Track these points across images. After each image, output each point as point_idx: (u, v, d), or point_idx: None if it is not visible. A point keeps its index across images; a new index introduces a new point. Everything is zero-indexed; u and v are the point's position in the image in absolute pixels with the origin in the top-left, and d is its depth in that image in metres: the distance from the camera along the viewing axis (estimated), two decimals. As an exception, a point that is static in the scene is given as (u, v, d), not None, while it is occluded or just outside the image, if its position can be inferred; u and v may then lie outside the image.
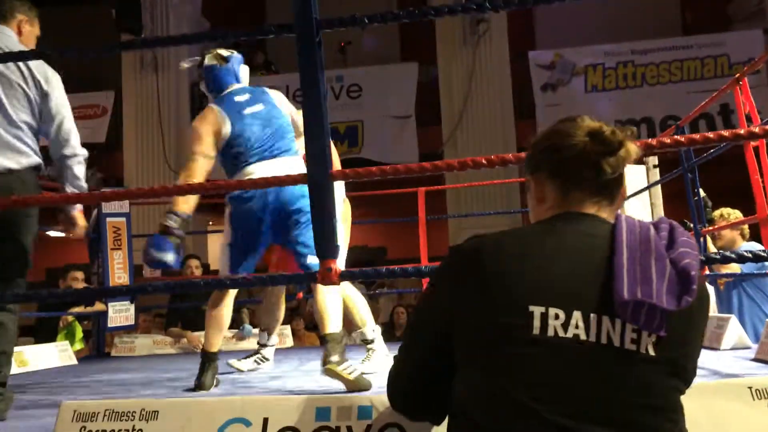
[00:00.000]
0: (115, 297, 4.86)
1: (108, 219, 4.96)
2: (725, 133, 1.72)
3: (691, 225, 3.95)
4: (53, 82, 2.47)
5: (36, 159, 2.43)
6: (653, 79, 8.55)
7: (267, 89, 3.00)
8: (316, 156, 1.76)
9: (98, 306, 4.99)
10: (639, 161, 4.77)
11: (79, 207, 2.57)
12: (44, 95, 2.43)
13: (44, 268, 9.23)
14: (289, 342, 5.29)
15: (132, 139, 9.32)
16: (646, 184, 4.64)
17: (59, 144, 2.46)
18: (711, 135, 1.72)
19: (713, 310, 4.15)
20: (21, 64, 2.38)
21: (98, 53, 1.94)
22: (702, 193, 4.03)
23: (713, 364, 2.54)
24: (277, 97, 2.97)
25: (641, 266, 0.95)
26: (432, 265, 5.41)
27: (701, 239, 3.97)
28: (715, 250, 4.17)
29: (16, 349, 4.36)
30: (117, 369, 3.98)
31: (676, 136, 1.74)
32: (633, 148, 1.06)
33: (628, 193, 4.60)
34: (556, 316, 0.93)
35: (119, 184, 8.91)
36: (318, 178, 1.75)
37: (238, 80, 2.98)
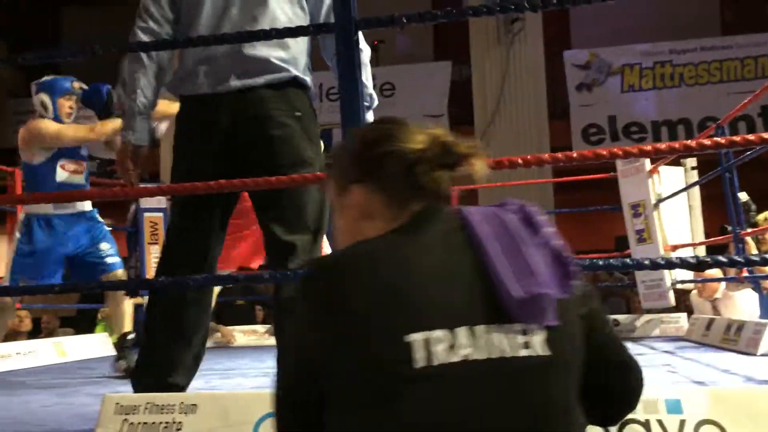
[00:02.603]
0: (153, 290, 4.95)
1: (146, 214, 5.07)
2: (766, 135, 1.69)
3: (730, 228, 3.88)
4: None
5: (294, 71, 1.90)
6: (691, 79, 8.41)
7: None
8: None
9: (136, 299, 5.09)
10: (676, 163, 4.70)
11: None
12: None
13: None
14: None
15: (169, 136, 9.46)
16: (683, 186, 4.58)
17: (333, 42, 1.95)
18: (752, 137, 1.70)
19: (752, 314, 4.08)
20: None
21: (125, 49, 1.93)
22: (745, 196, 3.95)
23: (749, 369, 2.50)
24: None
25: (517, 258, 0.85)
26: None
27: (740, 244, 3.91)
28: (757, 254, 4.09)
29: (56, 339, 4.48)
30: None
31: (716, 138, 1.72)
32: (479, 161, 0.95)
33: (666, 194, 4.56)
34: (440, 340, 0.80)
35: (156, 179, 9.07)
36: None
37: None
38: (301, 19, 1.93)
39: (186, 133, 1.90)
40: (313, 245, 1.83)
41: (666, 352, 3.62)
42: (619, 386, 0.99)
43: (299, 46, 1.92)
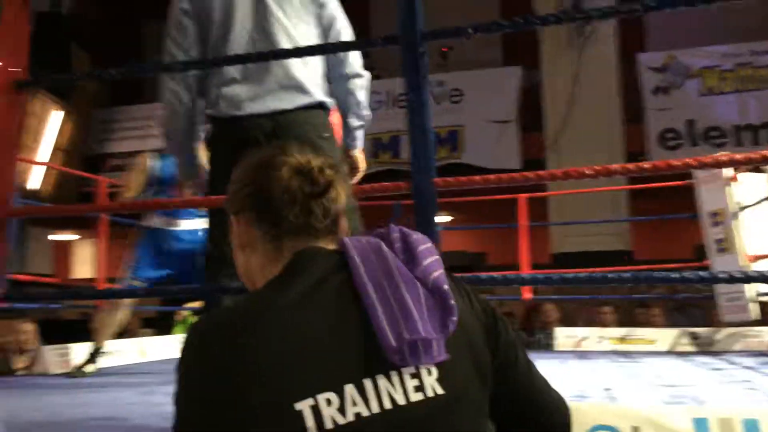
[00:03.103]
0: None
1: (220, 220, 5.23)
2: None
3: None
4: None
5: (320, 96, 2.02)
6: (775, 81, 8.03)
7: None
8: (419, 163, 1.80)
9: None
10: (758, 169, 4.50)
11: (361, 146, 2.18)
12: (321, 3, 2.07)
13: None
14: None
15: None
16: (767, 194, 4.38)
17: (337, 61, 2.07)
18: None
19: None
20: None
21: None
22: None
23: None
24: None
25: (394, 302, 0.81)
26: (534, 273, 5.32)
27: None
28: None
29: (137, 340, 4.69)
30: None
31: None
32: (342, 190, 0.93)
33: (747, 202, 4.37)
34: (329, 402, 0.75)
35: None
36: (422, 185, 1.78)
37: None
38: (320, 42, 2.04)
39: (223, 153, 1.94)
40: None
41: (747, 367, 3.47)
42: (536, 425, 0.94)
43: (320, 70, 2.04)
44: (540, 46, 8.94)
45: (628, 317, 5.95)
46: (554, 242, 8.19)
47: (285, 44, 1.95)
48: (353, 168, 2.14)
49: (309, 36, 2.00)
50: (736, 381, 2.87)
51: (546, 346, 5.01)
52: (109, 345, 4.27)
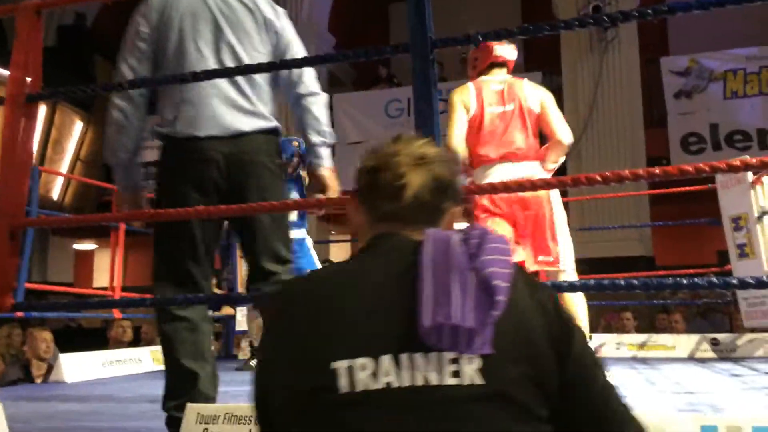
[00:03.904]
0: (241, 303, 5.12)
1: (238, 228, 5.25)
2: None
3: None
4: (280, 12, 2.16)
5: (272, 122, 2.08)
6: (801, 83, 7.89)
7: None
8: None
9: (227, 309, 5.29)
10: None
11: (329, 165, 2.14)
12: (276, 31, 2.12)
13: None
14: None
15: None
16: (790, 199, 4.29)
17: (293, 82, 2.11)
18: None
19: None
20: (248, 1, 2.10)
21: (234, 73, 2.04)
22: None
23: None
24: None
25: (441, 285, 0.84)
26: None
27: None
28: None
29: (153, 348, 4.72)
30: (241, 370, 4.19)
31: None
32: (419, 181, 0.95)
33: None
34: (363, 367, 0.81)
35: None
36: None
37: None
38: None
39: (174, 171, 1.99)
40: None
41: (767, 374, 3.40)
42: None
43: (271, 96, 2.10)
44: (561, 50, 8.88)
45: (648, 323, 5.86)
46: (575, 247, 8.10)
47: (235, 83, 2.00)
48: (323, 188, 2.09)
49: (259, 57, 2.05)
50: (756, 388, 2.80)
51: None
52: (126, 354, 4.31)
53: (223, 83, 1.99)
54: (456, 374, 0.81)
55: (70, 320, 9.80)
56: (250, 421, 1.56)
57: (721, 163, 1.61)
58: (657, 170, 1.66)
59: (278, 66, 2.02)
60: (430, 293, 0.83)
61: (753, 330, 4.52)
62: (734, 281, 1.72)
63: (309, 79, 2.11)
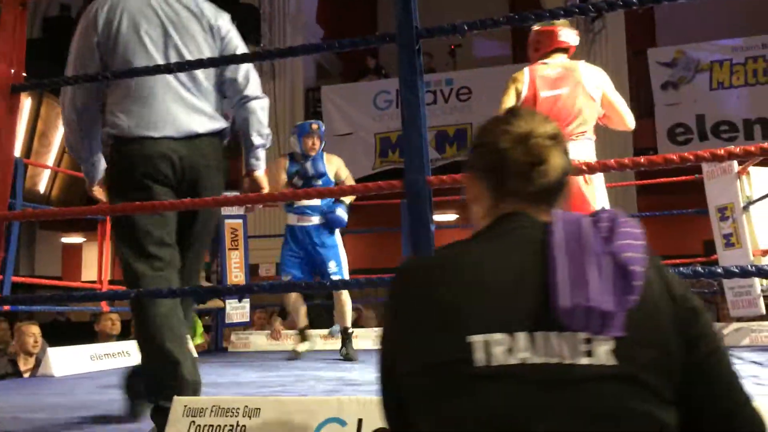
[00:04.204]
0: (231, 295, 5.12)
1: (226, 221, 5.24)
2: None
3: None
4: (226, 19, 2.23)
5: (221, 123, 2.16)
6: (787, 74, 7.94)
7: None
8: (413, 161, 1.78)
9: (217, 302, 5.28)
10: (767, 163, 4.45)
11: (264, 167, 2.24)
12: (222, 36, 2.19)
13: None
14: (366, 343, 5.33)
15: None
16: (775, 188, 4.32)
17: (239, 86, 2.18)
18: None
19: None
20: (191, 4, 2.16)
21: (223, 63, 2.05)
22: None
23: None
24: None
25: (577, 267, 0.85)
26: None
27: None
28: None
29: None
30: (231, 363, 4.19)
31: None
32: (558, 161, 0.96)
33: (757, 196, 4.31)
34: (500, 342, 0.83)
35: (235, 188, 9.34)
36: (416, 183, 1.77)
37: None
38: (210, 73, 2.15)
39: (124, 171, 2.03)
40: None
41: (754, 362, 3.43)
42: None
43: (217, 98, 2.18)
44: (548, 42, 8.88)
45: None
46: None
47: (186, 78, 2.08)
48: (257, 189, 2.19)
49: (209, 72, 2.13)
50: (744, 377, 2.83)
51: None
52: (114, 347, 4.29)
53: (175, 85, 2.06)
54: (589, 354, 0.83)
55: (58, 314, 9.75)
56: (237, 413, 1.55)
57: (706, 152, 1.63)
58: (642, 159, 1.67)
59: (263, 56, 2.01)
60: (565, 274, 0.85)
61: (739, 319, 4.57)
62: (720, 271, 1.74)
63: (254, 83, 2.20)
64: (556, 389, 0.81)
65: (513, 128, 0.98)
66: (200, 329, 5.73)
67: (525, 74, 3.09)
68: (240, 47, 2.21)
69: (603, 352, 0.82)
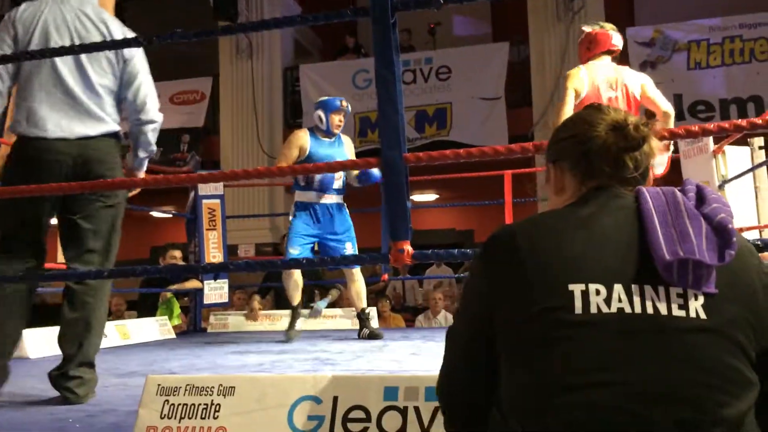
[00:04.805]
0: (208, 275, 5.08)
1: (204, 201, 5.18)
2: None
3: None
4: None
5: (115, 126, 2.38)
6: (763, 54, 7.99)
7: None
8: (389, 138, 1.77)
9: (195, 283, 5.24)
10: (743, 142, 4.49)
11: (144, 169, 2.53)
12: (125, 59, 2.38)
13: (149, 246, 9.74)
14: (375, 323, 5.34)
15: (228, 124, 9.62)
16: (750, 166, 4.37)
17: (136, 109, 2.40)
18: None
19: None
20: (101, 26, 2.35)
21: (197, 37, 2.01)
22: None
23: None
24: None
25: (676, 227, 0.91)
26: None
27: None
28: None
29: (119, 322, 4.66)
30: (209, 344, 4.17)
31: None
32: (655, 144, 1.04)
33: (732, 174, 4.36)
34: (597, 292, 0.88)
35: (215, 167, 9.26)
36: (392, 161, 1.75)
37: None
38: (112, 84, 2.38)
39: (19, 169, 2.25)
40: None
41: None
42: None
43: (115, 108, 2.41)
44: (528, 20, 8.86)
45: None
46: (542, 219, 8.16)
47: (83, 93, 2.30)
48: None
49: (110, 88, 2.36)
50: None
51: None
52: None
53: (70, 91, 2.28)
54: (681, 307, 0.87)
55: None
56: (212, 391, 1.54)
57: (680, 129, 1.64)
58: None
59: (236, 29, 1.95)
60: (665, 232, 0.91)
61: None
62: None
63: (152, 107, 2.43)
64: (650, 338, 0.85)
65: (608, 117, 1.04)
66: (177, 310, 5.69)
67: (582, 74, 3.26)
68: (142, 72, 2.41)
69: (695, 306, 0.87)
